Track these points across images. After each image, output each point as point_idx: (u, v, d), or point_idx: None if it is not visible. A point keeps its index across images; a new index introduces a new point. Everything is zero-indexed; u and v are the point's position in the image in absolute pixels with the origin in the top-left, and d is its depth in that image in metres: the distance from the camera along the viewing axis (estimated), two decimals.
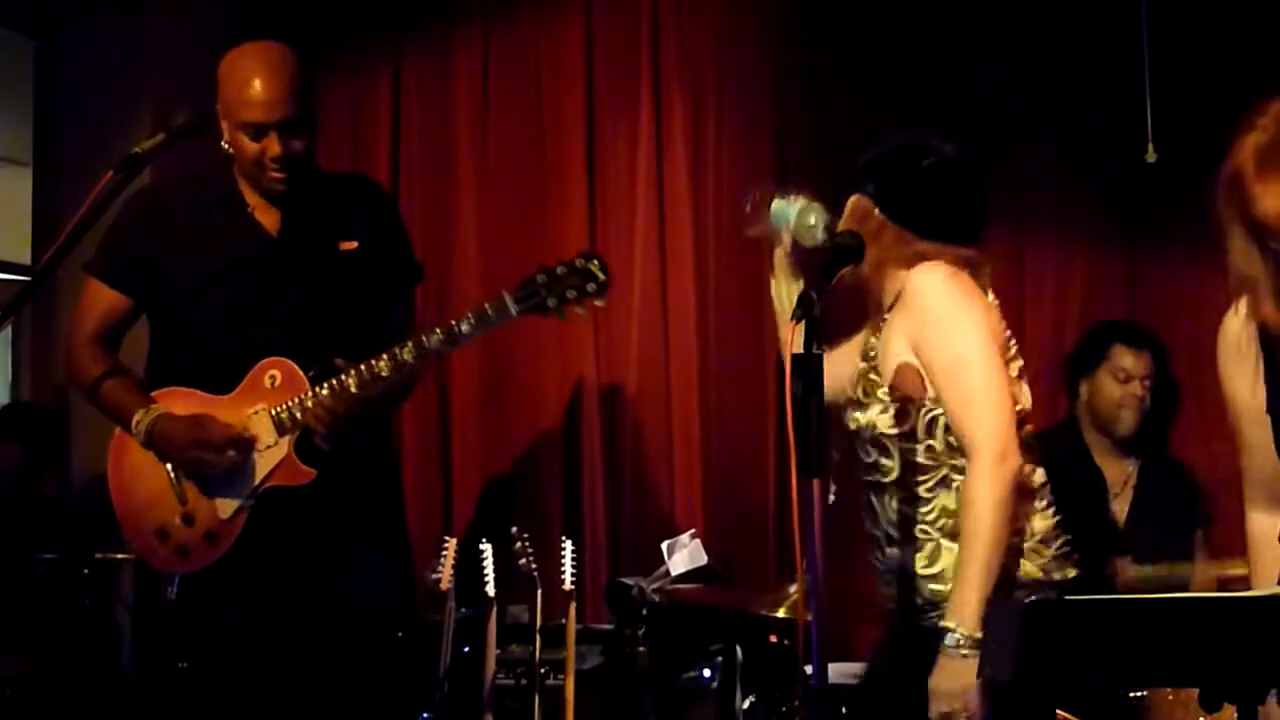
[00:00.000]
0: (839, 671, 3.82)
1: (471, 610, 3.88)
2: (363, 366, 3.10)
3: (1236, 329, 2.37)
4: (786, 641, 3.95)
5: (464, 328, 3.08)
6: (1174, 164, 4.38)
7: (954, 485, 2.71)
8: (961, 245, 2.79)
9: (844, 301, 2.93)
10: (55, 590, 4.56)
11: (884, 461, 2.76)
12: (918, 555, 2.73)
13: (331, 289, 3.27)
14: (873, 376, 2.78)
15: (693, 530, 4.18)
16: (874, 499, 2.80)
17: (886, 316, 2.81)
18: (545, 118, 4.99)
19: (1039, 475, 2.78)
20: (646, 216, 4.82)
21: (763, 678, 3.91)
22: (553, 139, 4.98)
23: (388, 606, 3.40)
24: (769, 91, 4.83)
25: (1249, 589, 2.59)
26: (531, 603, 3.81)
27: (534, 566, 3.79)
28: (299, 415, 3.14)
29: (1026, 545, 2.72)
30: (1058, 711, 2.76)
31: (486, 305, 3.09)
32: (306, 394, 3.14)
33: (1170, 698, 3.06)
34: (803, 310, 2.43)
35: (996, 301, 2.83)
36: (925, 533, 2.73)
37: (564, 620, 3.76)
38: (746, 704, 3.88)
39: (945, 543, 2.71)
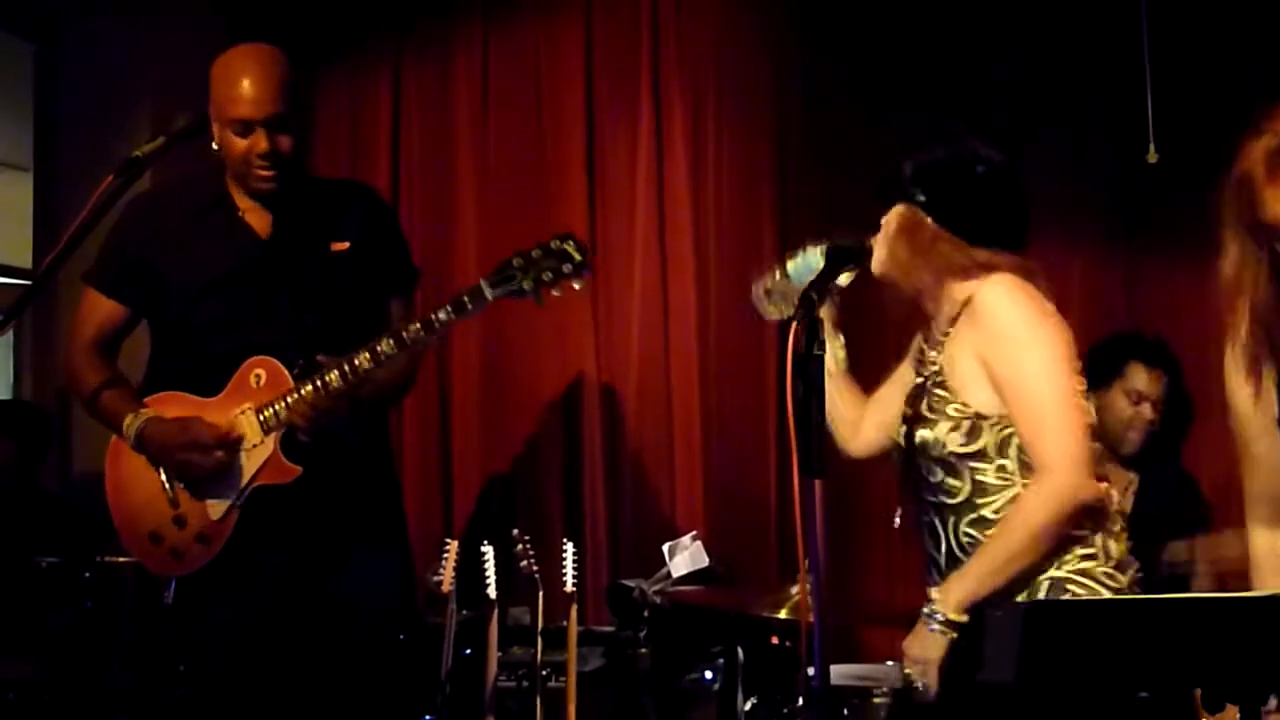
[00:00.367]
0: (841, 673, 3.83)
1: (473, 612, 3.87)
2: (344, 362, 3.10)
3: (1244, 339, 2.35)
4: (788, 643, 3.94)
5: (442, 316, 3.09)
6: (1175, 165, 4.39)
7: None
8: (1014, 251, 2.76)
9: (873, 339, 2.91)
10: (57, 592, 4.56)
11: (951, 482, 2.69)
12: None
13: (323, 289, 3.28)
14: (940, 393, 2.71)
15: (694, 532, 4.17)
16: (936, 520, 2.72)
17: (948, 330, 2.75)
18: (545, 118, 4.99)
19: (1114, 494, 2.73)
20: (647, 217, 4.82)
21: (764, 679, 3.90)
22: (553, 139, 4.98)
23: (386, 605, 3.40)
24: (769, 92, 4.83)
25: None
26: (533, 605, 3.80)
27: (535, 568, 3.79)
28: (283, 413, 3.15)
29: (1100, 569, 2.66)
30: None
31: (463, 293, 3.09)
32: (290, 391, 3.15)
33: None
34: (804, 310, 2.43)
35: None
36: None
37: (565, 622, 3.75)
38: (748, 706, 3.87)
39: None
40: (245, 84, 3.16)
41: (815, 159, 4.77)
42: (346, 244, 3.32)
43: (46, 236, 5.14)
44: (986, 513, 2.66)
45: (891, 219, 2.79)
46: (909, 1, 4.74)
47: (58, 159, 5.22)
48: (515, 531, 3.86)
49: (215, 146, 3.24)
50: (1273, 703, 2.11)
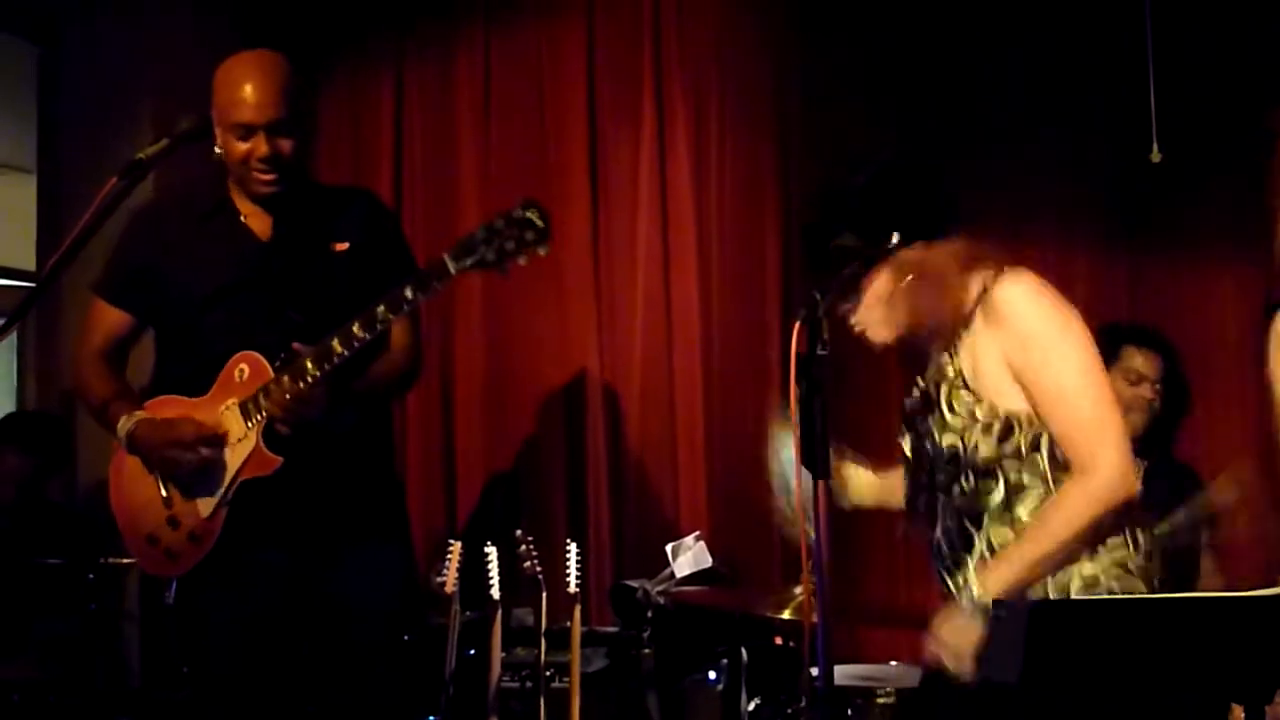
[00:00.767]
0: (845, 673, 3.84)
1: (476, 613, 3.88)
2: (318, 348, 3.11)
3: None
4: (792, 643, 3.94)
5: (407, 293, 3.07)
6: (1178, 164, 4.39)
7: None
8: (959, 224, 2.71)
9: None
10: (61, 595, 4.56)
11: (986, 484, 2.64)
12: None
13: (323, 290, 3.28)
14: (964, 396, 2.65)
15: (697, 532, 4.18)
16: (969, 524, 2.66)
17: (961, 333, 2.67)
18: (547, 120, 4.99)
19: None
20: (649, 218, 4.82)
21: (768, 680, 3.90)
22: (555, 141, 4.98)
23: (387, 604, 3.40)
24: (770, 93, 4.83)
25: None
26: (536, 605, 3.80)
27: (538, 569, 3.79)
28: (262, 403, 3.16)
29: (1132, 562, 2.63)
30: None
31: (426, 268, 3.08)
32: (270, 383, 3.16)
33: None
34: (807, 311, 2.43)
35: None
36: None
37: (569, 623, 3.75)
38: (752, 706, 3.87)
39: None
40: (247, 89, 3.18)
41: (817, 159, 4.77)
42: (346, 244, 3.33)
43: (50, 238, 5.14)
44: (1020, 511, 2.62)
45: (880, 284, 2.67)
46: (910, 2, 4.75)
47: (61, 161, 5.22)
48: (518, 532, 3.86)
49: (217, 150, 3.25)
50: None
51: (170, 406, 3.29)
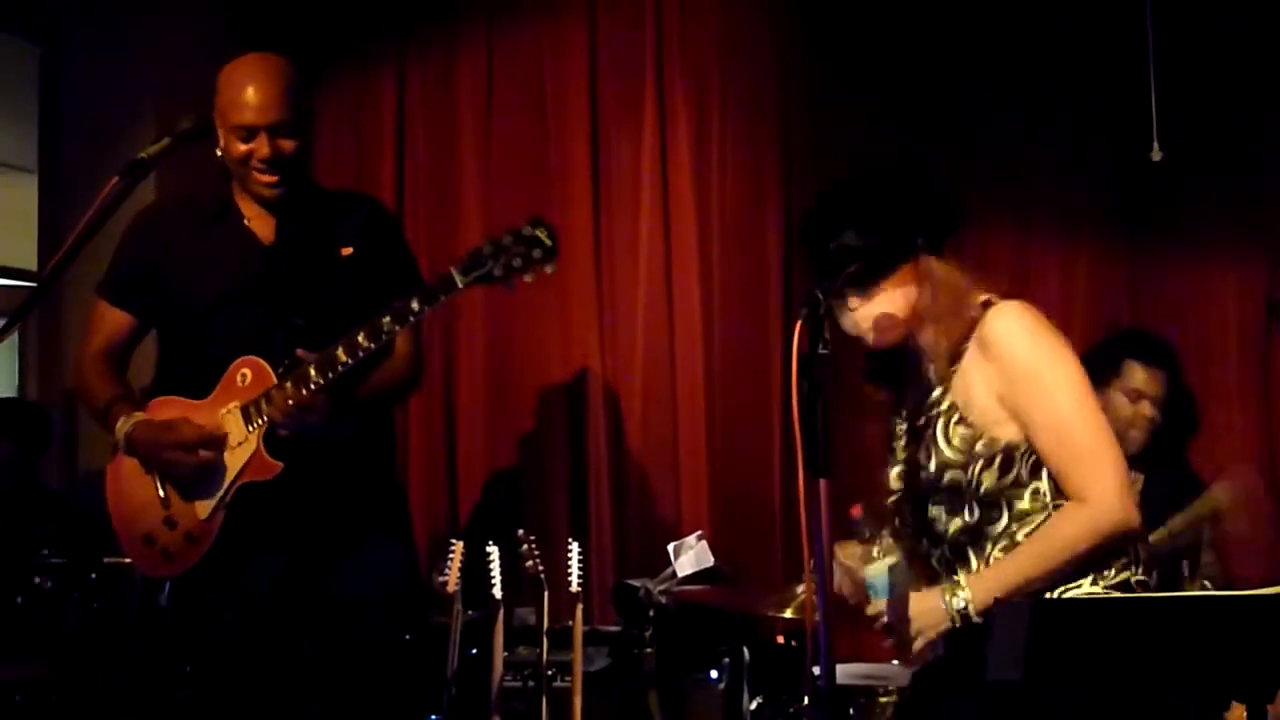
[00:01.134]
0: (846, 672, 3.84)
1: (478, 613, 3.88)
2: (322, 356, 3.11)
3: None
4: (794, 642, 3.95)
5: (414, 305, 3.07)
6: (1179, 163, 4.39)
7: None
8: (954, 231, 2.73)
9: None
10: (63, 594, 4.56)
11: (990, 514, 2.64)
12: None
13: (326, 294, 3.28)
14: (962, 430, 2.64)
15: (699, 532, 4.18)
16: (970, 550, 2.66)
17: (954, 365, 2.66)
18: (549, 121, 4.99)
19: None
20: (651, 218, 4.82)
21: (770, 679, 3.91)
22: (557, 142, 4.98)
23: (389, 605, 3.40)
24: (772, 92, 4.83)
25: None
26: (538, 605, 3.81)
27: (540, 569, 3.79)
28: (264, 408, 3.16)
29: (1135, 578, 2.65)
30: None
31: (433, 281, 3.09)
32: (273, 388, 3.16)
33: None
34: (809, 310, 2.43)
35: None
36: None
37: (571, 622, 3.76)
38: (754, 705, 3.88)
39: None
40: (250, 90, 3.20)
41: (819, 159, 4.78)
42: (350, 249, 3.34)
43: (51, 239, 5.14)
44: (1020, 537, 2.63)
45: (901, 286, 2.67)
46: (911, 3, 4.75)
47: (63, 161, 5.21)
48: (520, 531, 3.86)
49: (220, 153, 3.26)
50: None
51: (170, 408, 3.29)
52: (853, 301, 2.67)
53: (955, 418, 2.65)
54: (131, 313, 3.41)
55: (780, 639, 3.98)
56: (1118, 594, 2.60)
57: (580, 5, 4.97)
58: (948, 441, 2.65)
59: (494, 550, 3.86)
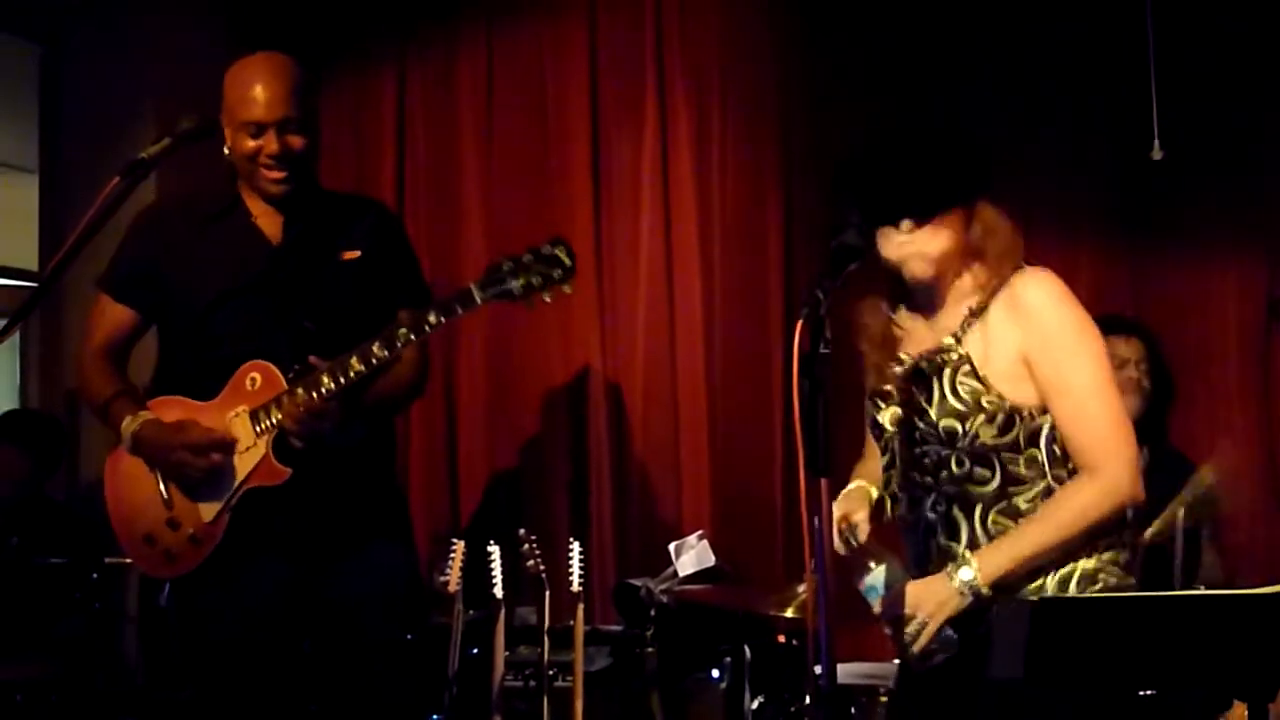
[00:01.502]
0: (848, 671, 3.84)
1: (480, 612, 3.88)
2: (335, 364, 3.11)
3: None
4: (795, 642, 3.95)
5: (430, 319, 3.09)
6: (1180, 161, 4.39)
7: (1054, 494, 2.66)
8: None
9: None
10: (65, 594, 4.56)
11: (981, 471, 2.66)
12: None
13: (331, 297, 3.28)
14: (971, 383, 2.65)
15: (700, 531, 4.19)
16: (957, 510, 2.68)
17: (970, 317, 2.69)
18: (550, 120, 4.99)
19: None
20: (652, 218, 4.82)
21: (771, 678, 3.91)
22: (557, 141, 4.98)
23: (390, 607, 3.40)
24: (773, 92, 4.83)
25: None
26: (539, 604, 3.81)
27: (542, 568, 3.79)
28: (275, 415, 3.15)
29: (1123, 558, 2.68)
30: None
31: (452, 296, 3.10)
32: (284, 394, 3.16)
33: None
34: (810, 309, 2.43)
35: None
36: None
37: (572, 622, 3.76)
38: (755, 704, 3.88)
39: None
40: (257, 88, 3.20)
41: (820, 160, 4.78)
42: (357, 252, 3.33)
43: (52, 239, 5.14)
44: (1019, 502, 2.65)
45: (950, 224, 2.68)
46: (911, 3, 4.75)
47: (63, 161, 5.22)
48: (522, 531, 3.86)
49: (227, 151, 3.26)
50: None
51: (175, 408, 3.28)
52: (905, 226, 2.66)
53: (966, 369, 2.66)
54: (133, 308, 3.39)
55: (781, 638, 3.98)
56: (1119, 594, 2.60)
57: (581, 5, 4.97)
58: (954, 391, 2.67)
59: (495, 550, 3.86)
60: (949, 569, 2.62)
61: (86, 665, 4.53)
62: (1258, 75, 4.51)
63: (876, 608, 2.66)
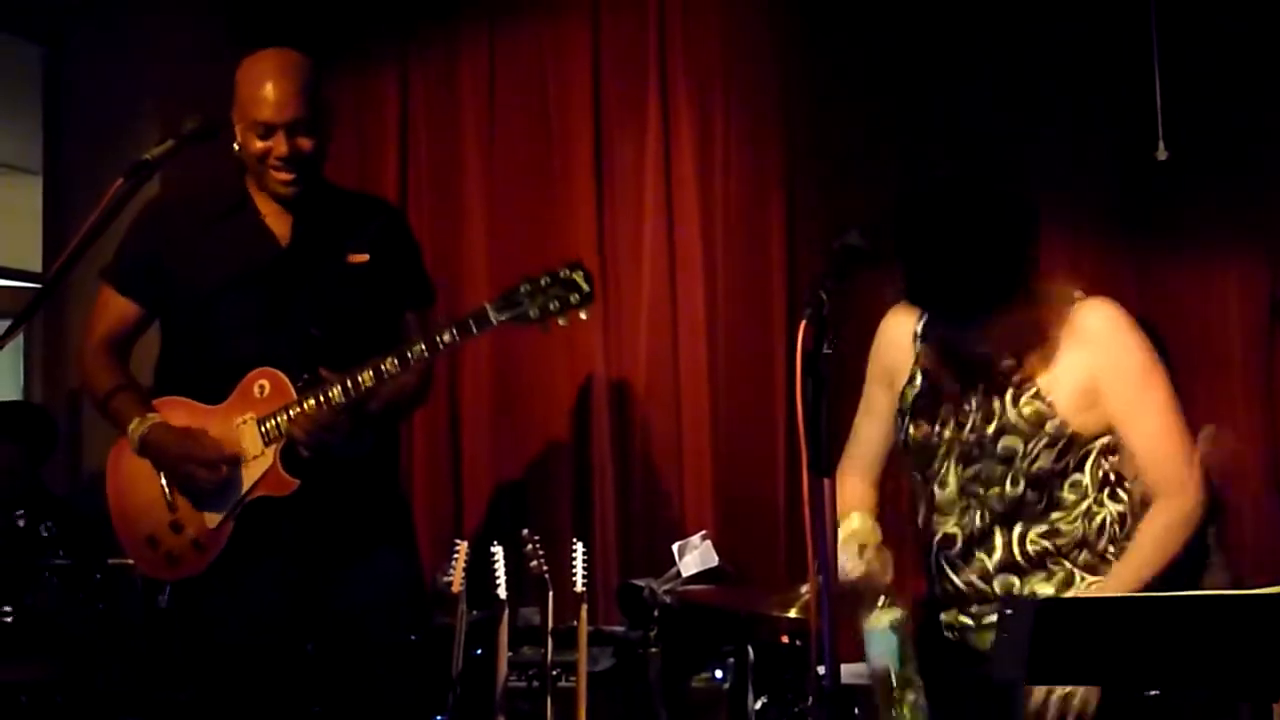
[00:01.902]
0: (852, 672, 3.83)
1: (483, 613, 3.88)
2: (347, 377, 3.10)
3: None
4: (798, 642, 3.94)
5: (445, 338, 3.09)
6: (1184, 162, 4.39)
7: (1096, 518, 2.73)
8: None
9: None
10: (69, 595, 4.56)
11: (1032, 494, 2.72)
12: (1048, 584, 2.73)
13: (337, 300, 3.27)
14: (1037, 405, 2.71)
15: (703, 531, 4.19)
16: (998, 528, 2.74)
17: (1038, 343, 2.72)
18: (552, 120, 5.00)
19: None
20: (655, 219, 4.82)
21: (774, 679, 3.90)
22: (560, 141, 4.98)
23: (394, 612, 3.39)
24: (775, 92, 4.83)
25: None
26: (543, 605, 3.81)
27: (545, 569, 3.79)
28: (283, 425, 3.14)
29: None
30: None
31: (468, 316, 3.10)
32: (292, 404, 3.14)
33: None
34: (813, 310, 2.43)
35: None
36: (1060, 564, 2.73)
37: (575, 622, 3.76)
38: (759, 705, 3.87)
39: (1079, 573, 2.73)
40: (268, 87, 3.18)
41: (823, 161, 4.78)
42: (365, 255, 3.32)
43: (55, 240, 5.14)
44: (1061, 525, 2.72)
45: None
46: (911, 3, 4.75)
47: (66, 162, 5.22)
48: (525, 531, 3.87)
49: (236, 147, 3.24)
50: None
51: (181, 410, 3.26)
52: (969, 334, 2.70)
53: (1032, 391, 2.71)
54: (138, 302, 3.37)
55: (785, 639, 3.97)
56: (1122, 595, 2.61)
57: (583, 5, 4.97)
58: (1016, 409, 2.71)
59: (498, 550, 3.86)
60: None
61: (90, 666, 4.53)
62: (1259, 75, 4.51)
63: (881, 660, 2.66)
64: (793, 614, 3.81)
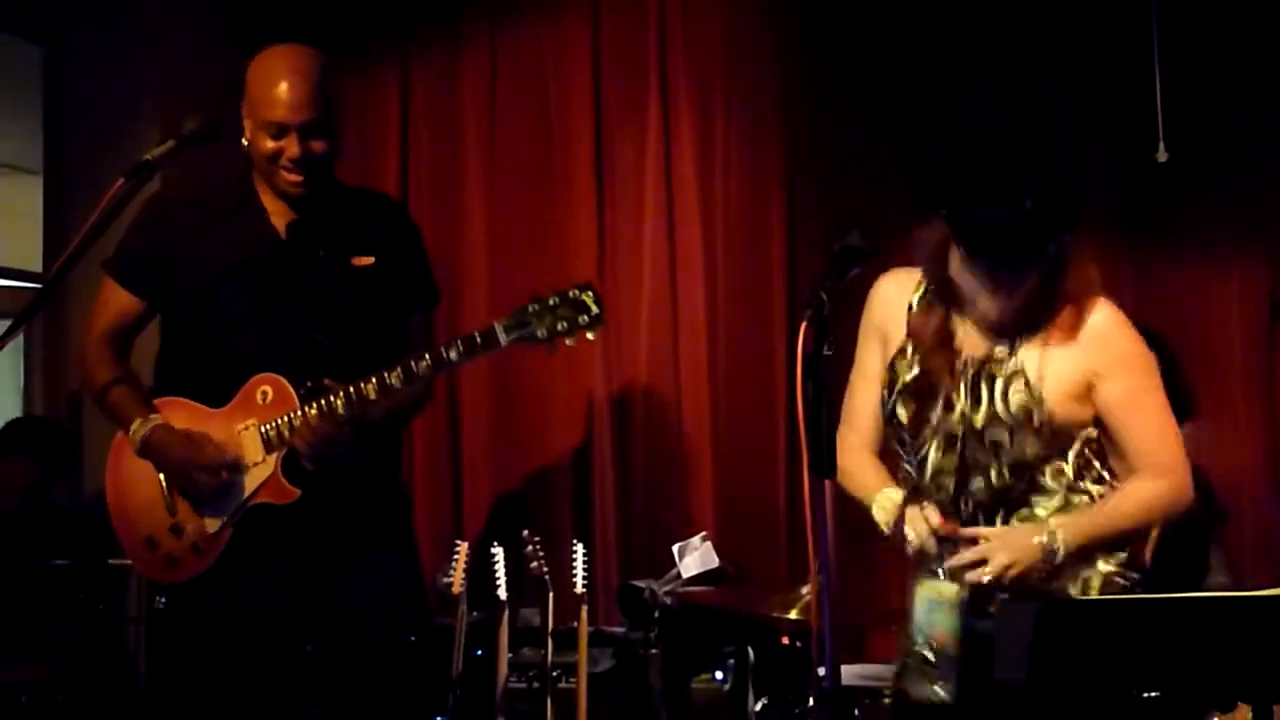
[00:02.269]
0: (851, 673, 3.84)
1: (483, 614, 3.88)
2: (351, 388, 3.08)
3: None
4: (798, 643, 3.94)
5: (452, 355, 3.07)
6: (1184, 163, 4.39)
7: (1076, 503, 2.76)
8: None
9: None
10: (69, 596, 4.56)
11: (1016, 483, 2.75)
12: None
13: (339, 303, 3.25)
14: (1024, 396, 2.72)
15: (704, 532, 4.19)
16: (982, 514, 2.77)
17: (1030, 335, 2.74)
18: (553, 120, 4.99)
19: None
20: (655, 220, 4.82)
21: (775, 680, 3.91)
22: (560, 141, 4.98)
23: (395, 615, 3.37)
24: (776, 92, 4.83)
25: None
26: (543, 606, 3.81)
27: (545, 569, 3.79)
28: (286, 433, 3.13)
29: (1130, 565, 2.80)
30: None
31: (476, 333, 3.08)
32: (295, 412, 3.12)
33: None
34: (813, 311, 2.43)
35: None
36: None
37: (576, 623, 3.76)
38: (759, 706, 3.88)
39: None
40: (283, 86, 3.13)
41: (823, 161, 4.78)
42: (371, 259, 3.29)
43: (56, 240, 5.14)
44: (1040, 511, 2.75)
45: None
46: (911, 3, 4.75)
47: (67, 162, 5.21)
48: (525, 533, 3.87)
49: (245, 143, 3.21)
50: None
51: (181, 411, 3.24)
52: (999, 288, 2.69)
53: (1021, 382, 2.73)
54: (140, 296, 3.32)
55: (785, 640, 3.98)
56: (1122, 596, 2.61)
57: (583, 6, 4.97)
58: (1004, 400, 2.73)
59: (499, 551, 3.86)
60: (1036, 528, 2.70)
61: (90, 667, 4.53)
62: (1259, 75, 4.51)
63: (939, 629, 2.70)
64: (793, 615, 3.82)
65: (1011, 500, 2.75)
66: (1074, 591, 2.69)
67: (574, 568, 3.76)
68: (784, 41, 4.84)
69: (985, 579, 2.68)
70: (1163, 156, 4.34)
